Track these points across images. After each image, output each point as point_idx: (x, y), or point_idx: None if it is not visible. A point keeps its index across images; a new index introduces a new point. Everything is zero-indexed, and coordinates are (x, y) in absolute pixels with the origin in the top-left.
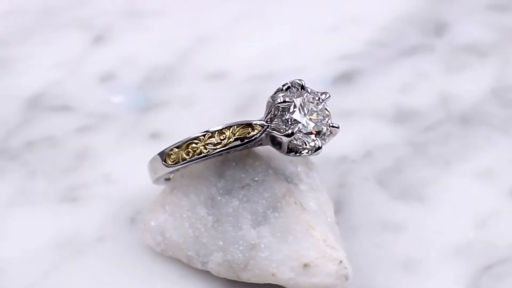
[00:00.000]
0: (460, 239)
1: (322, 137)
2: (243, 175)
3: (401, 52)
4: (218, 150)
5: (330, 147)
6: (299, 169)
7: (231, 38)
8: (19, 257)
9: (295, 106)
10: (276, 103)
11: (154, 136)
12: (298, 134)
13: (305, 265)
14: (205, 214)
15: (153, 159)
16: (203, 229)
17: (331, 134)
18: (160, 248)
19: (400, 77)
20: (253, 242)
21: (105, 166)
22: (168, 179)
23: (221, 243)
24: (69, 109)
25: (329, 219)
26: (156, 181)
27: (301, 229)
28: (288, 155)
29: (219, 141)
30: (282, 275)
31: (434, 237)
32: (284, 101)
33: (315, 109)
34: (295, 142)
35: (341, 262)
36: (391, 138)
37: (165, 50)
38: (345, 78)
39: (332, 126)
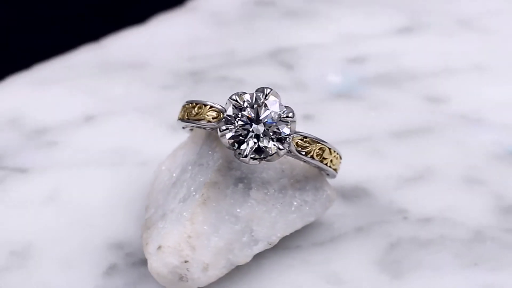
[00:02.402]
0: None
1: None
2: (208, 153)
3: None
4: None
5: None
6: (267, 177)
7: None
8: None
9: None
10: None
11: None
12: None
13: (159, 247)
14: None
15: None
16: None
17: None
18: None
19: None
20: (166, 212)
21: None
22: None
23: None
24: None
25: (226, 235)
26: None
27: (189, 217)
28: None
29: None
30: (147, 246)
31: None
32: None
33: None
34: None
35: (186, 262)
36: None
37: None
38: None
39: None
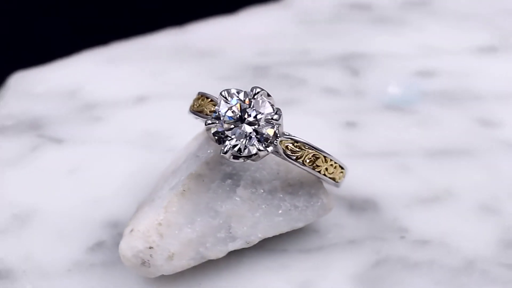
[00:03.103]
0: None
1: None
2: (205, 145)
3: None
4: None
5: None
6: (259, 176)
7: None
8: None
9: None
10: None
11: None
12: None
13: (132, 230)
14: None
15: None
16: None
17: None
18: None
19: None
20: (154, 198)
21: None
22: None
23: None
24: None
25: (196, 228)
26: None
27: (164, 205)
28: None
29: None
30: (126, 228)
31: None
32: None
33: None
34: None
35: (150, 248)
36: None
37: None
38: None
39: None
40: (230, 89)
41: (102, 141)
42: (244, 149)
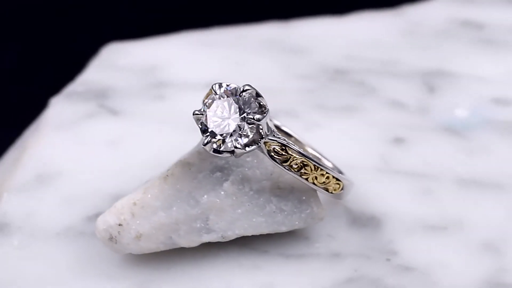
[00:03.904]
0: None
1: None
2: None
3: None
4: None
5: None
6: (251, 174)
7: None
8: None
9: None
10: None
11: None
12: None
13: (114, 205)
14: None
15: None
16: None
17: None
18: None
19: None
20: (153, 178)
21: None
22: None
23: None
24: None
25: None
26: None
27: (145, 186)
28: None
29: None
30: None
31: None
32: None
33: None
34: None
35: (120, 225)
36: None
37: None
38: None
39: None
40: (222, 83)
41: (155, 119)
42: (223, 144)
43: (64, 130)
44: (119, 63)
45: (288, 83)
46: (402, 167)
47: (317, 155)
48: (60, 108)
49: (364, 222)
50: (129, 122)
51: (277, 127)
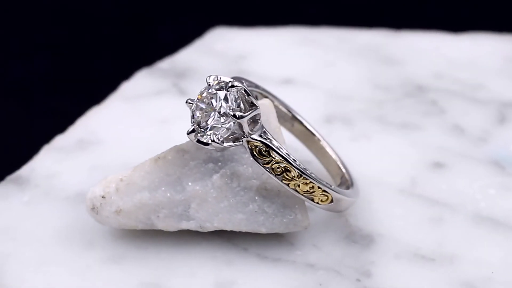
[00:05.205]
0: None
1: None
2: None
3: None
4: None
5: None
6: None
7: None
8: None
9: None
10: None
11: None
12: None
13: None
14: None
15: None
16: None
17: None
18: None
19: None
20: None
21: None
22: None
23: None
24: None
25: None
26: None
27: (136, 165)
28: None
29: None
30: None
31: None
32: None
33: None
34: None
35: (103, 197)
36: None
37: None
38: None
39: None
40: (217, 76)
41: None
42: (203, 135)
43: (129, 102)
44: (216, 47)
45: (363, 91)
46: (425, 192)
47: (337, 160)
48: (138, 81)
49: (356, 239)
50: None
51: (302, 124)
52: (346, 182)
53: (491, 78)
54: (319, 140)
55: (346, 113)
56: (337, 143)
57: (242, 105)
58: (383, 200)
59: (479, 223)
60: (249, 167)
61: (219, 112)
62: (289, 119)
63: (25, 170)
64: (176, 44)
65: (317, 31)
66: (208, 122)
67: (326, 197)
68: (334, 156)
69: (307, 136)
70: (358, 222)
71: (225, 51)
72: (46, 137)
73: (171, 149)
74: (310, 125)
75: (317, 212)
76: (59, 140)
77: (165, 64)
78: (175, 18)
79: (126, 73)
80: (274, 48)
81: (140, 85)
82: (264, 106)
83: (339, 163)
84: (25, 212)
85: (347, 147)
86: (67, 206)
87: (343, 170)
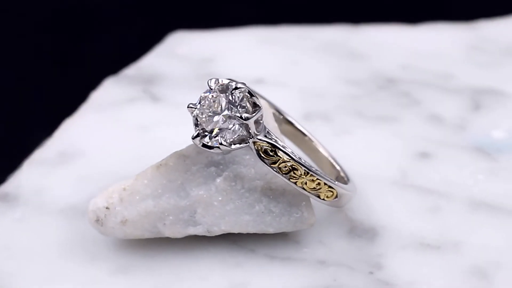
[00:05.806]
0: None
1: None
2: None
3: None
4: None
5: None
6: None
7: None
8: None
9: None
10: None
11: None
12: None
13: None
14: None
15: None
16: None
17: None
18: None
19: None
20: None
21: None
22: None
23: None
24: None
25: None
26: None
27: (138, 173)
28: None
29: None
30: None
31: None
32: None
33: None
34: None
35: (107, 208)
36: None
37: None
38: None
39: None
40: (218, 78)
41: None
42: (210, 139)
43: (101, 111)
44: (178, 51)
45: (336, 87)
46: (417, 182)
47: (330, 159)
48: (107, 90)
49: (361, 233)
50: (166, 110)
51: (292, 124)
52: (342, 179)
53: (458, 67)
54: (310, 140)
55: (324, 110)
56: (320, 140)
57: (247, 107)
58: (378, 193)
59: (476, 209)
60: (251, 168)
61: (224, 115)
62: (279, 119)
63: (11, 186)
64: (132, 49)
65: (277, 30)
66: (214, 126)
67: (332, 193)
68: (326, 154)
69: (298, 136)
70: (359, 216)
71: (190, 55)
72: (22, 152)
73: (171, 155)
74: (300, 124)
75: (316, 209)
76: (40, 154)
77: (131, 70)
78: (121, 24)
79: (91, 82)
80: (238, 50)
81: (110, 93)
82: None
83: (332, 160)
84: (19, 229)
85: (331, 143)
86: (62, 220)
87: (338, 167)
